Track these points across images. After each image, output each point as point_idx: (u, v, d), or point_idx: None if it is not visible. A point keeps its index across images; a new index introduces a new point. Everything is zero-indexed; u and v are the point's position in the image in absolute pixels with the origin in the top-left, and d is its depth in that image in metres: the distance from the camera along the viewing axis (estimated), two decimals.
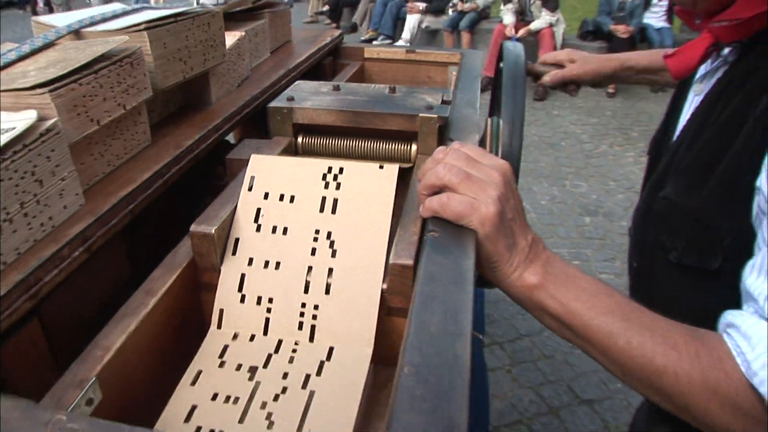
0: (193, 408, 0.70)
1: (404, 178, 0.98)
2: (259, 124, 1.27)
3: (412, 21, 9.36)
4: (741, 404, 0.61)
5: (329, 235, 0.86)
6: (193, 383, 0.74)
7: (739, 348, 0.62)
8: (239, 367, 0.77)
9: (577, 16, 9.33)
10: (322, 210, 0.87)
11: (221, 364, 0.77)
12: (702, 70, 0.92)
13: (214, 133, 1.12)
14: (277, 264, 0.84)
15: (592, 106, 6.83)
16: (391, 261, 0.76)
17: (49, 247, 0.72)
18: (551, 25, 7.39)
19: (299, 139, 1.15)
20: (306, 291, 0.83)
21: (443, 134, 1.12)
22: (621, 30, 7.03)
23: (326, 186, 0.89)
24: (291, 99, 1.15)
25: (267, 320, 0.82)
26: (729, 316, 0.67)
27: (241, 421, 0.69)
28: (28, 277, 0.67)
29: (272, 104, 1.13)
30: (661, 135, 1.03)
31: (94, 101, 0.85)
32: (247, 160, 0.93)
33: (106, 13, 1.13)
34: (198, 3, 1.68)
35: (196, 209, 0.90)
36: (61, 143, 0.77)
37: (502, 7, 8.09)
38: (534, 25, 7.57)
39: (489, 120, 1.22)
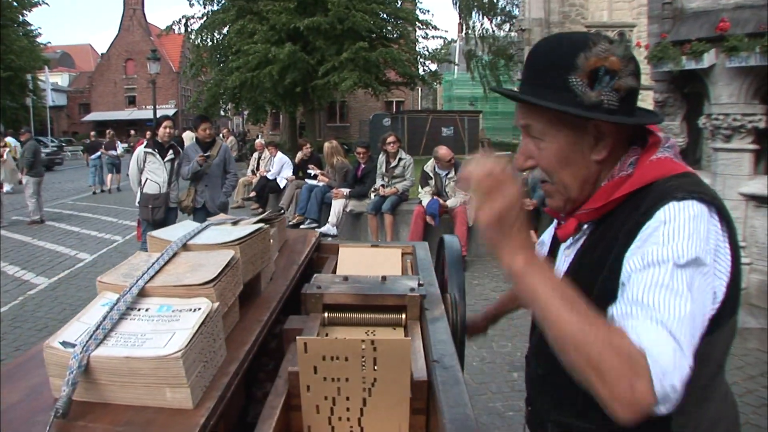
0: None
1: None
2: (287, 304, 1.84)
3: (337, 206, 10.04)
4: (634, 354, 1.02)
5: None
6: None
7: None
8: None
9: None
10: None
11: None
12: (569, 241, 1.49)
13: (273, 312, 1.68)
14: (347, 379, 1.35)
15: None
16: (414, 377, 1.32)
17: (222, 379, 1.24)
18: (465, 203, 8.30)
19: (325, 314, 1.71)
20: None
21: (423, 305, 1.71)
22: (527, 203, 7.89)
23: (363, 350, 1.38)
24: (319, 287, 1.73)
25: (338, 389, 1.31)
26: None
27: None
28: (221, 395, 1.19)
29: (307, 291, 1.70)
30: None
31: (225, 291, 1.41)
32: (301, 330, 1.51)
33: (195, 230, 1.70)
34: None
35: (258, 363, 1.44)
36: (219, 317, 1.31)
37: (420, 189, 8.99)
38: (450, 204, 8.50)
39: (447, 296, 1.85)
